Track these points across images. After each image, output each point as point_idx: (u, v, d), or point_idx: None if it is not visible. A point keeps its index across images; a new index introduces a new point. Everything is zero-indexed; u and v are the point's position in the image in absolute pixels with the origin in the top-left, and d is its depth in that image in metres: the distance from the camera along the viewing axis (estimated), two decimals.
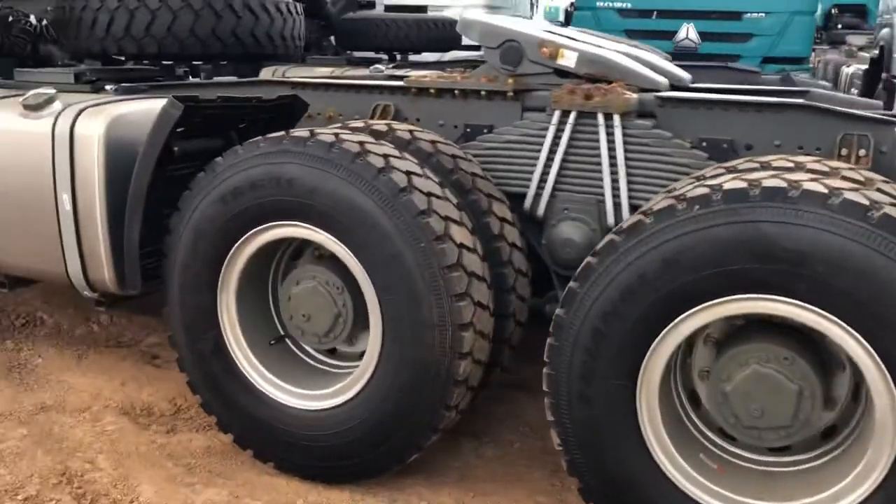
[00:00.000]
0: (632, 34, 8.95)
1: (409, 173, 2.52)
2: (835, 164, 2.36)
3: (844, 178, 2.20)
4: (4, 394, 3.40)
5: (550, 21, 11.30)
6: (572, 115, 2.85)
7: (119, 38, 3.65)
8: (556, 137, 2.89)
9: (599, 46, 3.12)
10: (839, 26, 16.62)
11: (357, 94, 3.32)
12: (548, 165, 2.92)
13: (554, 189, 2.93)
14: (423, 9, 10.33)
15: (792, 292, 2.03)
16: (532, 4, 17.03)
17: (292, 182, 2.56)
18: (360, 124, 2.93)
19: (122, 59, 3.93)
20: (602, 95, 2.80)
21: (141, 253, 2.92)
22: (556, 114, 2.87)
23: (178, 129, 2.82)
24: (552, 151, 2.90)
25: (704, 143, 2.77)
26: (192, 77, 4.10)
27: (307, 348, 2.96)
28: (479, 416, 3.22)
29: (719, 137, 2.76)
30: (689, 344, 2.36)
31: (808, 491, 2.18)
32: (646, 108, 2.85)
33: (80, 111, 2.98)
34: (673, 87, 3.17)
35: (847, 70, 10.20)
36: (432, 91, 3.16)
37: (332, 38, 7.10)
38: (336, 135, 2.60)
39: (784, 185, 2.04)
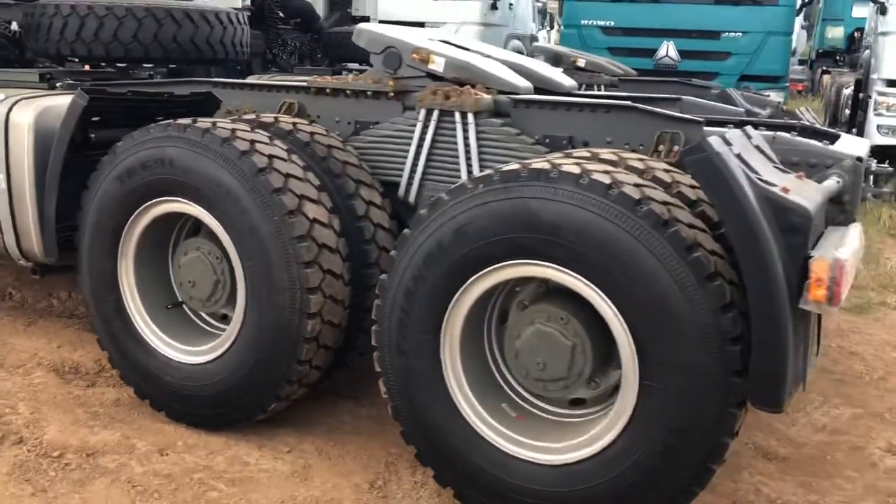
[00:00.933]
0: (615, 51, 9.33)
1: (271, 157, 2.91)
2: (629, 156, 2.69)
3: (626, 167, 2.54)
4: None
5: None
6: (435, 113, 3.22)
7: (71, 42, 4.11)
8: (423, 133, 3.26)
9: (472, 53, 3.49)
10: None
11: (268, 93, 3.73)
12: (416, 157, 3.29)
13: (422, 178, 3.29)
14: (421, 24, 10.81)
15: (552, 258, 2.37)
16: (544, 22, 17.36)
17: (173, 162, 2.98)
18: (252, 117, 3.34)
19: (76, 60, 4.39)
20: (458, 96, 3.17)
21: (61, 226, 3.36)
22: (423, 112, 3.25)
23: (95, 119, 3.26)
24: (419, 145, 3.27)
25: (548, 140, 3.11)
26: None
27: (201, 313, 3.36)
28: (362, 382, 3.58)
29: (560, 135, 3.10)
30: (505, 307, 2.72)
31: (578, 434, 2.51)
32: (501, 108, 3.21)
33: (15, 103, 3.45)
34: (547, 92, 3.54)
35: (845, 91, 10.43)
36: (328, 91, 3.56)
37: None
38: (213, 123, 3.01)
39: (547, 166, 2.39)
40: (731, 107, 4.18)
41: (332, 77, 3.72)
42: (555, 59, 7.27)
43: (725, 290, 2.20)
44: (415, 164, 3.30)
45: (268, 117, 3.32)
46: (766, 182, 2.19)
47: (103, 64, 4.44)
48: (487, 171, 2.51)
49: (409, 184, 3.32)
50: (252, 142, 2.94)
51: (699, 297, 2.19)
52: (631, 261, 2.25)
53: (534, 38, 13.29)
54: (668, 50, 9.19)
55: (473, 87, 3.25)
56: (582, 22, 9.65)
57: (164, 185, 3.03)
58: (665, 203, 2.30)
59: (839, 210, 2.68)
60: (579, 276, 2.36)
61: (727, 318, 2.18)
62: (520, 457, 2.56)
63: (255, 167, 2.85)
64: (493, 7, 11.03)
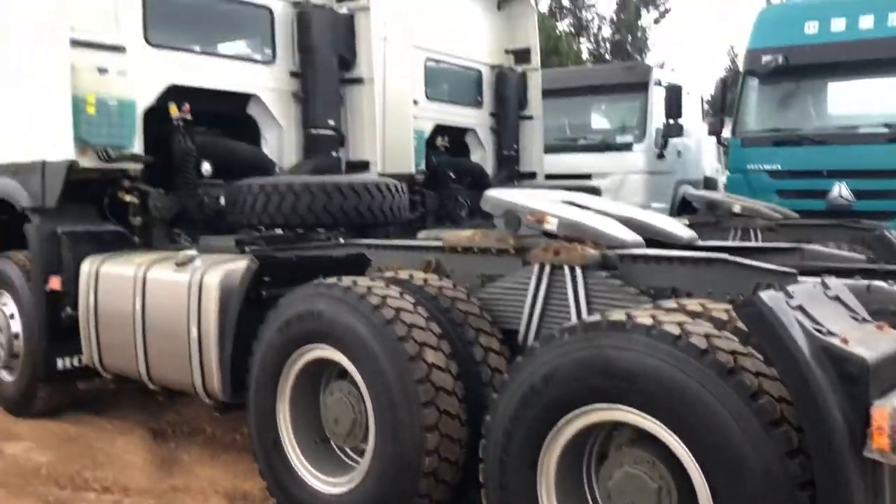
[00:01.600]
0: (784, 194, 9.28)
1: (398, 310, 3.37)
2: (716, 306, 2.87)
3: (708, 318, 2.73)
4: (146, 472, 4.54)
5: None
6: (547, 268, 3.57)
7: (260, 213, 4.95)
8: (538, 285, 3.61)
9: (586, 211, 3.84)
10: None
11: (412, 252, 4.27)
12: (532, 307, 3.63)
13: (539, 326, 3.61)
14: (587, 177, 11.33)
15: (632, 403, 2.57)
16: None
17: (322, 314, 3.52)
18: (391, 274, 3.86)
19: (264, 227, 5.21)
20: (566, 252, 3.51)
21: (235, 370, 3.98)
22: (536, 267, 3.61)
23: (265, 279, 3.93)
24: (535, 296, 3.62)
25: (652, 291, 3.35)
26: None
27: (345, 448, 3.79)
28: None
29: (663, 286, 3.34)
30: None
31: None
32: (608, 262, 3.51)
33: (208, 267, 4.21)
34: (662, 245, 3.80)
35: None
36: (459, 249, 4.03)
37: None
38: (354, 281, 3.55)
39: (623, 318, 2.64)
40: (855, 255, 4.16)
41: (465, 237, 4.17)
42: (709, 206, 7.43)
43: (792, 436, 2.29)
44: (531, 314, 3.63)
45: (405, 274, 3.83)
46: (825, 332, 2.31)
47: (285, 230, 5.24)
48: (573, 322, 2.80)
49: (527, 332, 3.64)
50: (384, 297, 3.42)
51: (765, 442, 2.29)
52: (700, 407, 2.41)
53: (709, 181, 13.34)
54: (840, 191, 8.97)
55: (583, 243, 3.58)
56: (748, 167, 9.69)
57: (313, 334, 3.57)
58: (733, 352, 2.46)
59: None
60: (657, 421, 2.54)
61: (794, 464, 2.26)
62: None
63: (384, 319, 3.31)
64: (660, 156, 11.36)
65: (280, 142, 6.57)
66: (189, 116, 5.78)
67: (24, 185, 5.38)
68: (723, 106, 10.20)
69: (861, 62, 9.08)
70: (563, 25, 34.13)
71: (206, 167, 5.86)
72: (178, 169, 5.78)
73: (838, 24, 9.23)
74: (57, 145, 5.14)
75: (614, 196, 11.38)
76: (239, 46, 6.87)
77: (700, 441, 2.43)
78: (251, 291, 3.93)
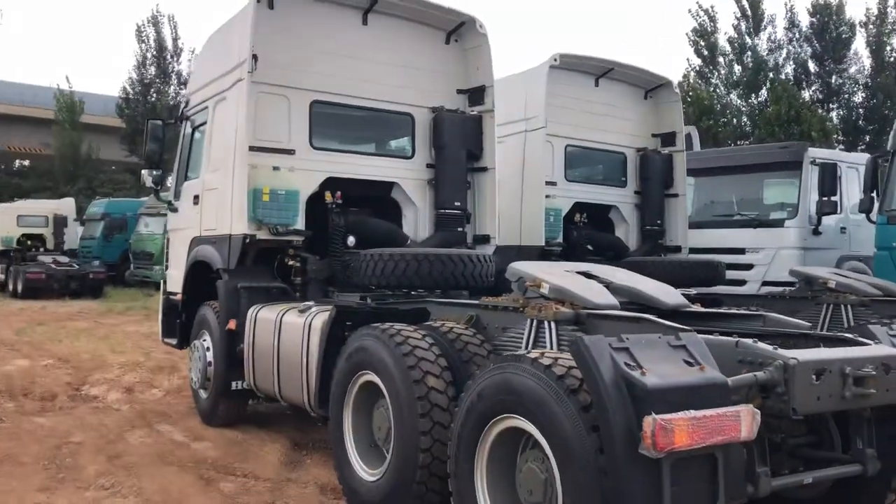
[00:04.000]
0: None
1: (415, 346, 4.62)
2: None
3: None
4: (275, 467, 6.10)
5: None
6: (535, 322, 4.65)
7: (374, 277, 6.40)
8: (528, 334, 4.68)
9: (578, 278, 4.87)
10: None
11: (460, 308, 5.50)
12: (526, 348, 4.70)
13: None
14: (741, 251, 11.78)
15: (520, 412, 3.64)
16: None
17: (367, 349, 4.87)
18: (431, 323, 5.13)
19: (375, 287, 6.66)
20: (546, 310, 4.58)
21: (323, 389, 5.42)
22: (528, 321, 4.70)
23: (348, 323, 5.37)
24: (527, 341, 4.69)
25: None
26: None
27: (383, 448, 5.04)
28: None
29: None
30: None
31: None
32: (579, 318, 4.53)
33: (317, 313, 5.74)
34: (643, 308, 4.74)
35: None
36: (490, 307, 5.21)
37: None
38: (391, 325, 4.87)
39: (521, 354, 3.71)
40: (803, 322, 4.70)
41: (499, 300, 5.28)
42: (807, 281, 7.85)
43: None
44: None
45: (438, 323, 5.07)
46: (633, 366, 3.25)
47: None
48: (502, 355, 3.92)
49: None
50: (407, 337, 4.70)
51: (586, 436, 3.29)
52: (553, 413, 3.44)
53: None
54: None
55: (563, 303, 4.63)
56: (894, 244, 9.68)
57: (364, 363, 4.93)
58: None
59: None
60: (532, 425, 3.58)
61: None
62: None
63: (402, 352, 4.59)
64: (815, 232, 11.49)
65: (416, 219, 8.12)
66: (340, 201, 7.51)
67: (218, 251, 7.35)
68: (873, 184, 10.26)
69: None
70: (808, 93, 33.16)
71: (351, 240, 7.52)
72: (329, 241, 7.51)
73: None
74: (237, 223, 7.04)
75: (768, 270, 11.68)
76: (386, 145, 8.57)
77: (552, 434, 3.45)
78: (333, 331, 5.38)
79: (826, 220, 11.52)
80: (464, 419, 4.02)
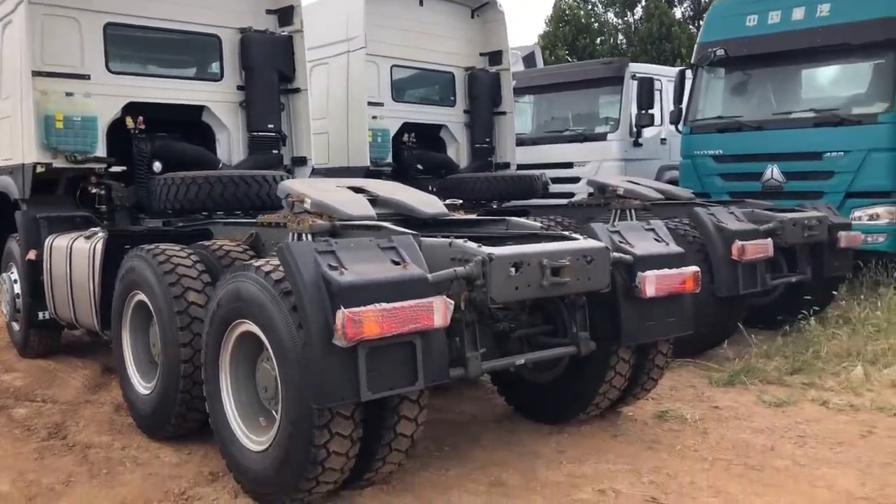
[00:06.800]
0: (727, 177, 10.05)
1: (177, 264, 4.79)
2: None
3: None
4: (77, 390, 6.20)
5: None
6: (294, 235, 4.88)
7: (172, 201, 6.40)
8: None
9: (342, 192, 5.11)
10: None
11: (242, 227, 5.66)
12: None
13: None
14: (569, 165, 12.31)
15: (248, 317, 3.89)
16: None
17: (135, 270, 5.01)
18: (208, 243, 5.30)
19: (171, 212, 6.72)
20: (303, 223, 4.81)
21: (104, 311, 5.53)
22: (290, 234, 4.93)
23: (126, 246, 5.45)
24: None
25: None
26: None
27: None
28: None
29: None
30: None
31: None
32: (335, 229, 4.79)
33: (99, 239, 5.79)
34: (406, 219, 5.03)
35: None
36: (265, 224, 5.39)
37: None
38: (157, 246, 5.01)
39: (251, 262, 3.95)
40: (536, 223, 5.12)
41: (276, 218, 5.45)
42: (600, 189, 8.42)
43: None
44: None
45: (209, 242, 5.24)
46: (333, 267, 3.53)
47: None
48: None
49: None
50: (170, 256, 4.85)
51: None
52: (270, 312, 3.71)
53: None
54: (772, 173, 9.54)
55: (321, 216, 4.87)
56: (696, 153, 10.38)
57: (134, 284, 5.06)
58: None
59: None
60: (256, 327, 3.85)
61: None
62: (250, 448, 4.01)
63: (164, 270, 4.75)
64: (636, 144, 12.16)
65: (229, 143, 8.13)
66: (143, 126, 7.43)
67: (14, 181, 7.19)
68: (681, 96, 10.89)
69: (792, 52, 9.67)
70: (680, 10, 34.06)
71: (157, 165, 7.49)
72: (135, 167, 7.45)
73: (774, 17, 9.84)
74: (28, 151, 6.90)
75: None
76: (192, 67, 8.46)
77: (271, 334, 3.73)
78: (111, 255, 5.46)
79: (647, 132, 12.20)
80: (208, 327, 4.25)
